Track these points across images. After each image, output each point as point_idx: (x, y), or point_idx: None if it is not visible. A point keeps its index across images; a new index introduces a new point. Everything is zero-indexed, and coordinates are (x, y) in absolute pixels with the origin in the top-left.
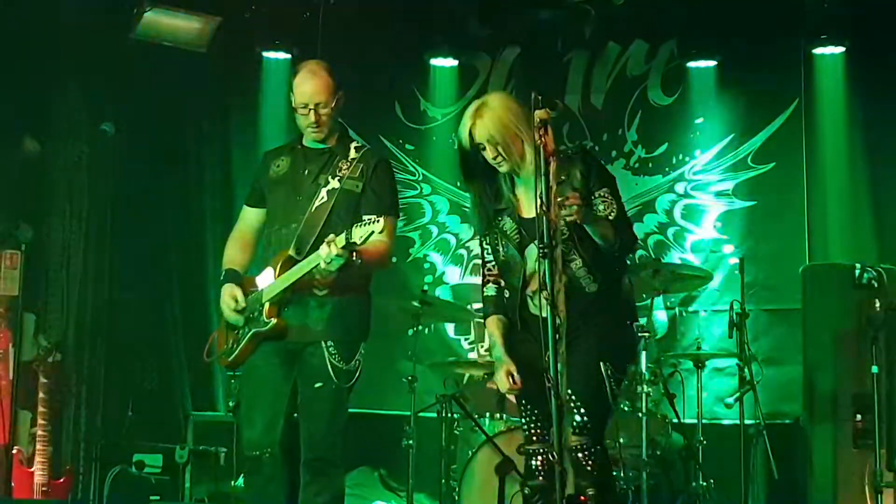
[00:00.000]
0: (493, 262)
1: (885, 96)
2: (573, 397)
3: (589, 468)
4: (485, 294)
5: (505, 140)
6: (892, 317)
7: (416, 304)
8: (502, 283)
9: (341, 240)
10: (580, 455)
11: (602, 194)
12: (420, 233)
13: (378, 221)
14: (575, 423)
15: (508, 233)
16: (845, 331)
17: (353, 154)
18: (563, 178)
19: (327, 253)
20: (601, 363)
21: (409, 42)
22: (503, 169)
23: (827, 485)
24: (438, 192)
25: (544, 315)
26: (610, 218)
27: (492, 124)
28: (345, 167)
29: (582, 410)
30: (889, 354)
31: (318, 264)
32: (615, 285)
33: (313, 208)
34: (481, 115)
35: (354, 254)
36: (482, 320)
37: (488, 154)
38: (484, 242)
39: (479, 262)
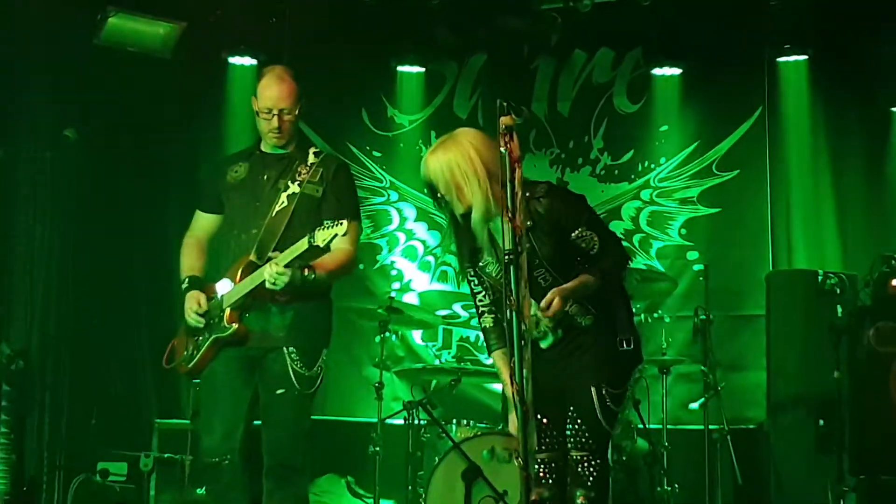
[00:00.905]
0: (483, 294)
1: (848, 103)
2: (574, 414)
3: (585, 478)
4: (483, 326)
5: (448, 184)
6: (854, 323)
7: (382, 310)
8: (499, 315)
9: (284, 258)
10: (579, 467)
11: (579, 234)
12: (387, 239)
13: (341, 224)
14: (575, 439)
15: (493, 275)
16: (808, 337)
17: (312, 159)
18: (529, 223)
19: (270, 273)
20: (597, 382)
21: (376, 48)
22: (457, 210)
23: (790, 489)
24: (406, 199)
25: (543, 346)
26: (592, 252)
27: (438, 165)
28: (304, 172)
29: (583, 427)
30: (851, 360)
31: (258, 284)
32: (610, 309)
33: (274, 213)
34: (435, 150)
35: (306, 269)
36: (490, 353)
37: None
38: (469, 275)
39: (448, 268)
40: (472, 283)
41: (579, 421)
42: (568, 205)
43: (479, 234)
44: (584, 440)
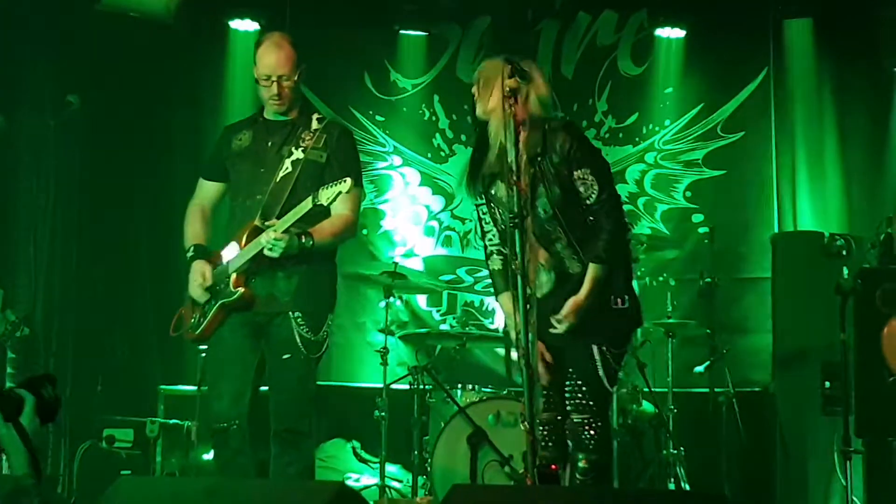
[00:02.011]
0: (493, 231)
1: (854, 64)
2: (574, 374)
3: (587, 442)
4: (491, 268)
5: (488, 80)
6: (860, 284)
7: (387, 276)
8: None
9: (283, 223)
10: (580, 430)
11: (581, 175)
12: (391, 205)
13: (345, 181)
14: (576, 402)
15: (503, 199)
16: (814, 299)
17: (315, 125)
18: (537, 150)
19: (267, 239)
20: (597, 341)
21: (378, 12)
22: (478, 109)
23: (796, 451)
24: (410, 164)
25: (540, 294)
26: (589, 202)
27: (492, 63)
28: (308, 138)
29: (584, 388)
30: (857, 322)
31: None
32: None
33: (278, 178)
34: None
35: (303, 236)
36: (497, 296)
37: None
38: (480, 212)
39: (452, 233)
40: (484, 221)
41: (579, 382)
42: (582, 142)
43: (493, 142)
44: (584, 402)
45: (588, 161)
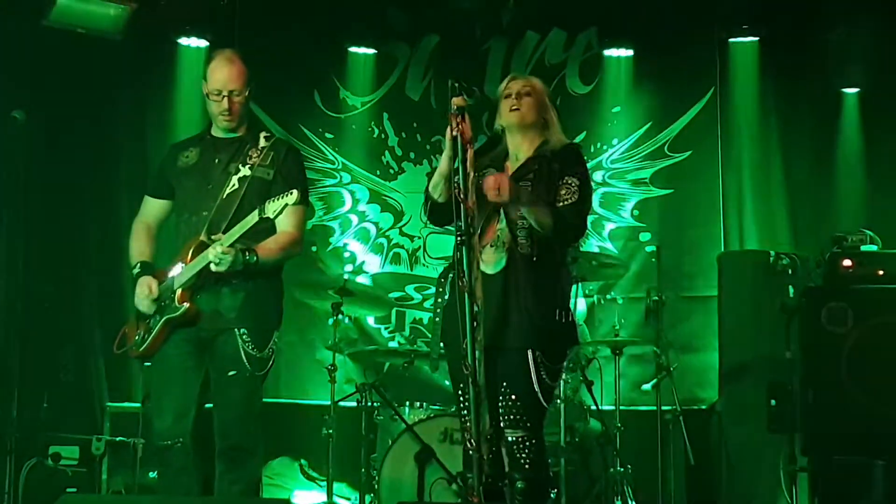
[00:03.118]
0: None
1: (799, 84)
2: (507, 389)
3: (522, 462)
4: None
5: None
6: (806, 303)
7: (335, 293)
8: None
9: (229, 237)
10: (515, 448)
11: (568, 182)
12: (340, 222)
13: (291, 193)
14: (510, 418)
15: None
16: (760, 317)
17: (262, 142)
18: (543, 150)
19: (214, 253)
20: (532, 353)
21: (327, 30)
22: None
23: (742, 469)
24: (358, 181)
25: (489, 272)
26: (562, 203)
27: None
28: (255, 155)
29: (518, 403)
30: (803, 340)
31: (208, 264)
32: (555, 280)
33: (225, 195)
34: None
35: (247, 252)
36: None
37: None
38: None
39: (401, 250)
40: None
41: (513, 396)
42: (577, 160)
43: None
44: (517, 418)
45: (580, 176)
